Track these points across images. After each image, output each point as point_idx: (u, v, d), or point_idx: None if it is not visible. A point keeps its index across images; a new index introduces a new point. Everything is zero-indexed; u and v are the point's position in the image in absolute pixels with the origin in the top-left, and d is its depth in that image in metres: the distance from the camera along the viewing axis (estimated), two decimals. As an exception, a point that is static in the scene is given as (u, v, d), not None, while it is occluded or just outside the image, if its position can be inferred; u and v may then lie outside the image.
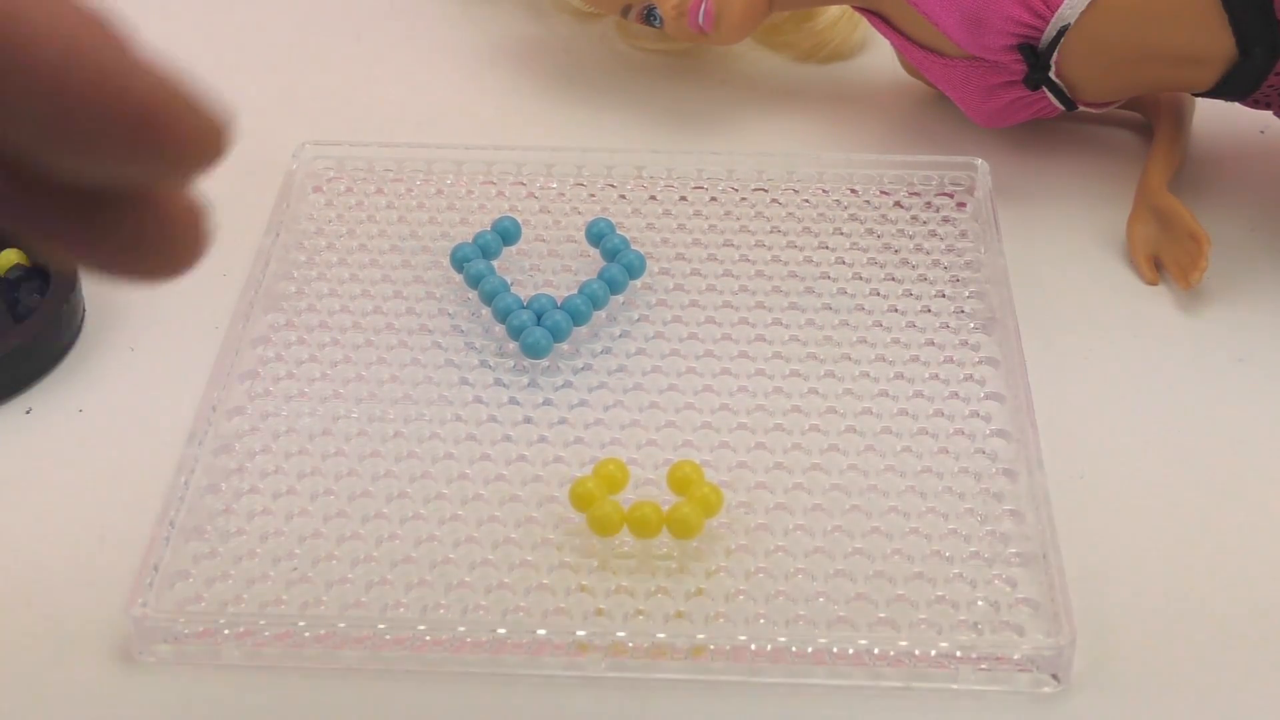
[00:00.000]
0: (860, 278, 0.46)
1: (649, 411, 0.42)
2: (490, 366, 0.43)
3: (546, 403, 0.42)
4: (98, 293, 0.46)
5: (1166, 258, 0.47)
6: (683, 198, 0.49)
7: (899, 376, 0.43)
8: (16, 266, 0.45)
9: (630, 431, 0.41)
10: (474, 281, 0.45)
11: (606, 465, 0.39)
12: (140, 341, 0.45)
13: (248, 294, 0.44)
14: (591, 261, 0.47)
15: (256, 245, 0.46)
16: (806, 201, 0.49)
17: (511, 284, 0.45)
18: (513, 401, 0.42)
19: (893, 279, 0.46)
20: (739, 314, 0.45)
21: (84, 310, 0.46)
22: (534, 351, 0.43)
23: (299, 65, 0.59)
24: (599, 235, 0.46)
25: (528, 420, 0.41)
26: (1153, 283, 0.47)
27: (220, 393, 0.41)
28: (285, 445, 0.40)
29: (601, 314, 0.45)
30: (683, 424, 0.41)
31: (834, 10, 0.57)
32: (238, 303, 0.44)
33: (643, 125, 0.54)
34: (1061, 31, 0.46)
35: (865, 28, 0.58)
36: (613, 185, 0.49)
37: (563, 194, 0.49)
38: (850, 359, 0.43)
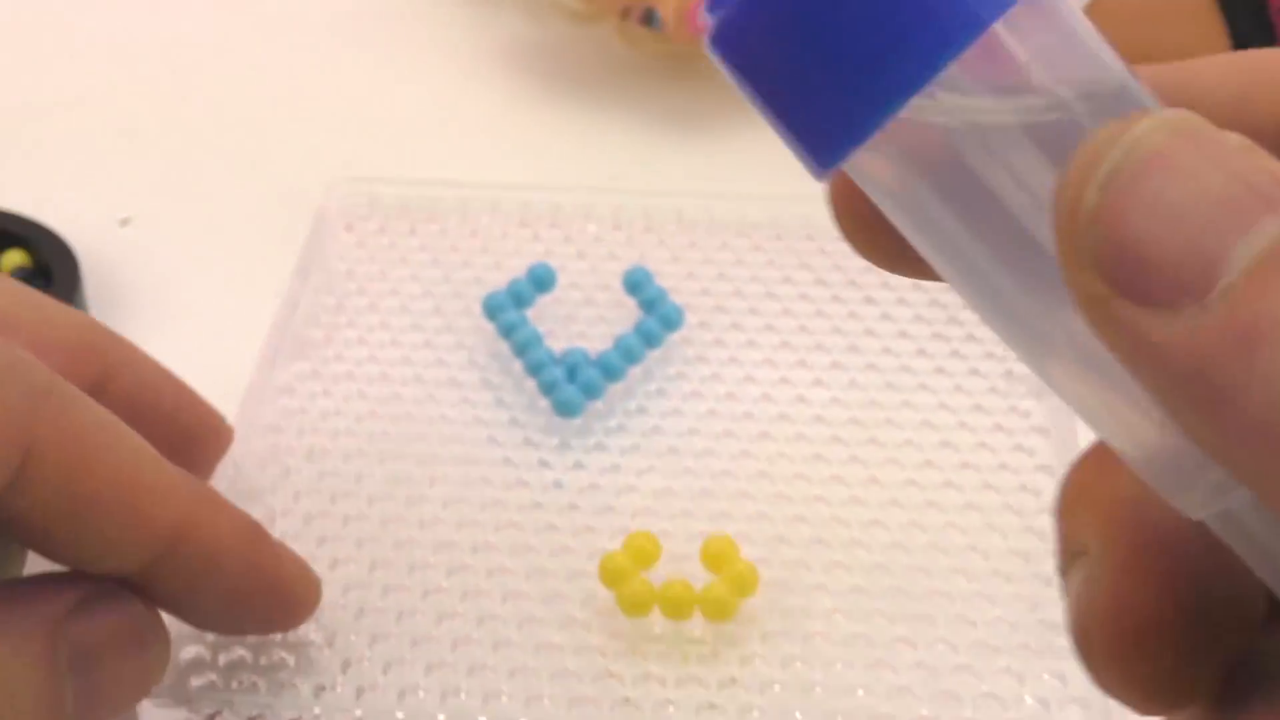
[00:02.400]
0: (906, 335, 0.44)
1: (683, 478, 0.40)
2: (520, 424, 0.42)
3: (578, 466, 0.40)
4: (100, 294, 0.46)
5: None
6: (724, 244, 0.47)
7: (945, 444, 0.41)
8: (19, 268, 0.45)
9: (664, 500, 0.39)
10: (506, 332, 0.43)
11: (637, 539, 0.38)
12: (142, 341, 0.43)
13: (275, 340, 0.43)
14: (628, 312, 0.45)
15: (283, 284, 0.45)
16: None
17: (545, 335, 0.43)
18: (543, 464, 0.40)
19: (940, 337, 0.44)
20: (779, 372, 0.43)
21: (86, 311, 0.45)
22: (566, 410, 0.41)
23: (309, 84, 0.58)
24: (636, 284, 0.45)
25: (557, 485, 0.40)
26: None
27: (244, 446, 0.40)
28: (306, 506, 0.39)
29: (637, 369, 0.43)
30: (718, 491, 0.40)
31: None
32: (263, 348, 0.42)
33: (643, 126, 0.54)
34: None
35: None
36: (651, 230, 0.48)
37: (600, 238, 0.47)
38: (893, 423, 0.42)
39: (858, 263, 0.46)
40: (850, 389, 0.43)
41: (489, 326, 0.44)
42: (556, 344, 0.43)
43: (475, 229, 0.48)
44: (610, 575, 0.37)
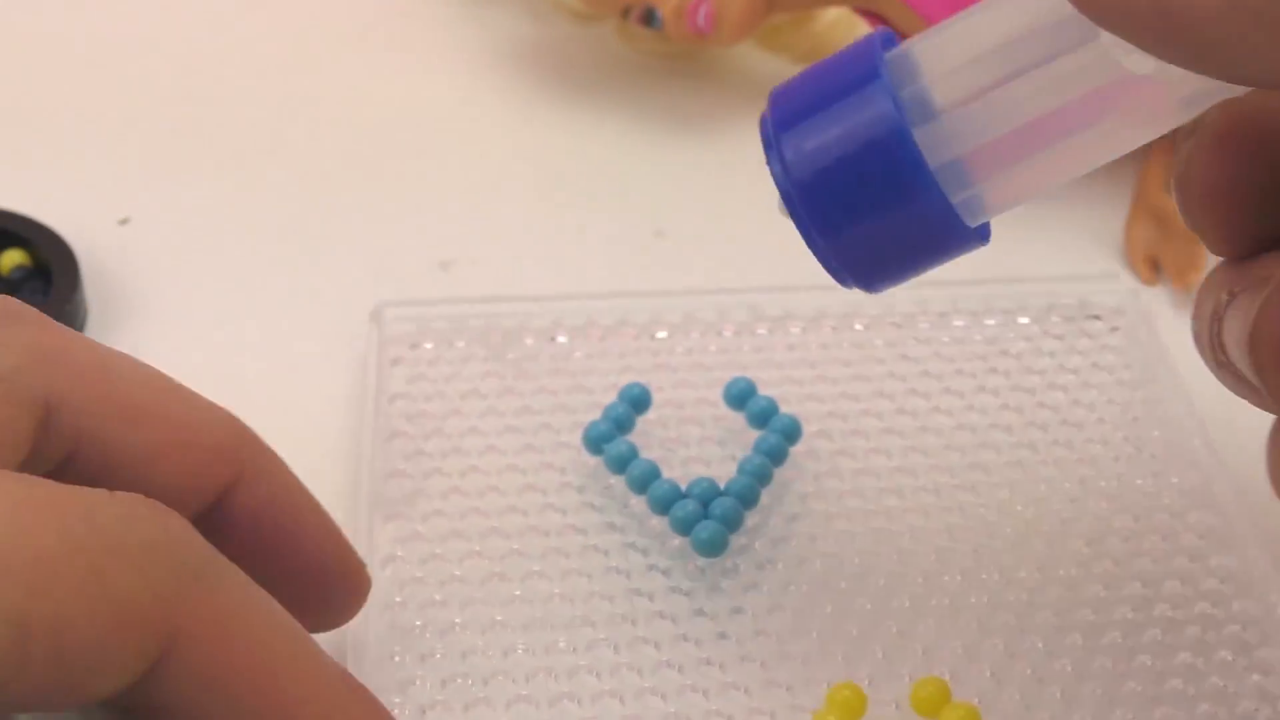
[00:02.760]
0: (1034, 424, 0.41)
1: (855, 617, 0.36)
2: (660, 570, 0.37)
3: (736, 611, 0.37)
4: (100, 294, 0.45)
5: (1164, 259, 0.47)
6: (823, 345, 0.44)
7: (1116, 565, 0.38)
8: (19, 267, 0.45)
9: (844, 642, 0.36)
10: (617, 466, 0.39)
11: (842, 692, 0.34)
12: (142, 343, 0.44)
13: (356, 502, 0.38)
14: (733, 427, 0.41)
15: (338, 436, 0.41)
16: (949, 338, 0.44)
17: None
18: (699, 613, 0.36)
19: (1067, 423, 0.41)
20: (917, 480, 0.40)
21: (86, 311, 0.45)
22: (710, 549, 0.37)
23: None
24: (742, 398, 0.41)
25: (723, 636, 0.36)
26: (1150, 283, 0.47)
27: (361, 627, 0.35)
28: (452, 695, 0.34)
29: (765, 494, 0.39)
30: (906, 627, 0.36)
31: (832, 12, 0.56)
32: (351, 519, 0.37)
33: (643, 126, 0.54)
34: None
35: (864, 29, 0.57)
36: (738, 333, 0.44)
37: (689, 350, 0.43)
38: (1063, 523, 0.39)
39: (956, 348, 0.43)
40: (995, 488, 0.39)
41: (591, 460, 0.40)
42: (668, 473, 0.39)
43: (543, 349, 0.43)
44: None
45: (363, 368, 0.42)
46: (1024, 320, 0.45)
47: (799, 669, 0.35)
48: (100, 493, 0.25)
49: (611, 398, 0.41)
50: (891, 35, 0.30)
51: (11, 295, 0.39)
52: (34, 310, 0.28)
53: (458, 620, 0.36)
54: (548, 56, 0.58)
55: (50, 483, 0.24)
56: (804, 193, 0.29)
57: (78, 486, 0.25)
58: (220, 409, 0.31)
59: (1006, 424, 0.41)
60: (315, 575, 0.31)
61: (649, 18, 0.51)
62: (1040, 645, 0.36)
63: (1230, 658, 0.35)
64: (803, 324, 0.44)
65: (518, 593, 0.37)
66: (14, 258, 0.45)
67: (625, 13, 0.52)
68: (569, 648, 0.35)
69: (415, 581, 0.37)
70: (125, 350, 0.42)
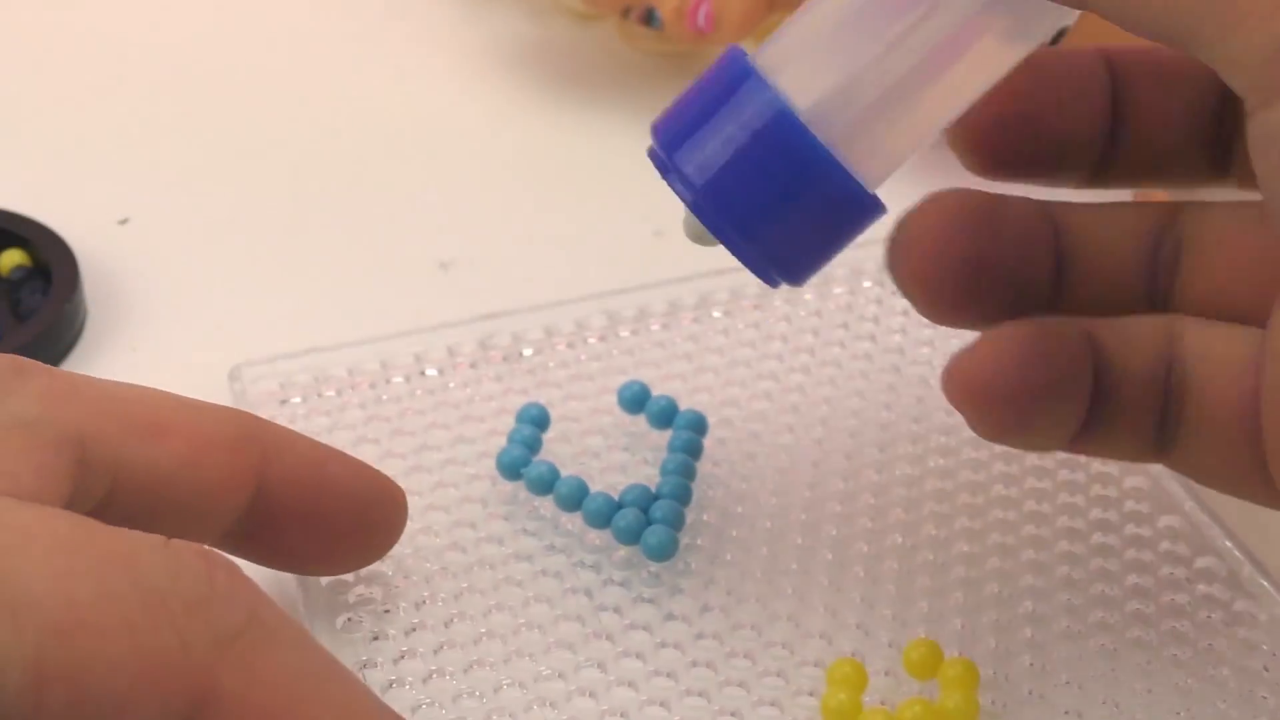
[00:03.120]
0: (921, 379, 0.42)
1: (822, 591, 0.37)
2: (618, 583, 0.37)
3: (705, 609, 0.36)
4: (100, 294, 0.46)
5: None
6: (690, 337, 0.44)
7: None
8: (19, 267, 0.45)
9: (822, 620, 0.36)
10: (541, 487, 0.38)
11: (841, 668, 0.34)
12: (142, 342, 0.44)
13: (305, 612, 0.36)
14: (635, 430, 0.41)
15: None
16: (805, 311, 0.45)
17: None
18: (671, 617, 0.36)
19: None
20: (826, 448, 0.40)
21: (86, 311, 0.45)
22: (661, 552, 0.37)
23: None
24: (638, 400, 0.41)
25: (701, 636, 0.36)
26: None
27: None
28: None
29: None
30: (875, 596, 0.36)
31: None
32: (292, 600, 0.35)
33: (643, 126, 0.52)
34: (1061, 34, 0.45)
35: None
36: (603, 338, 0.44)
37: (563, 364, 0.43)
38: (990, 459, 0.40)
39: (813, 320, 0.44)
40: (903, 441, 0.40)
41: (508, 486, 0.39)
42: (594, 486, 0.38)
43: (419, 385, 0.42)
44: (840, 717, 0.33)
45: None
46: (867, 284, 0.46)
47: (786, 656, 0.35)
48: (150, 540, 0.24)
49: (503, 422, 0.40)
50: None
51: (12, 295, 0.45)
52: (37, 362, 0.28)
53: (433, 668, 0.34)
54: (548, 56, 0.58)
55: (99, 525, 0.24)
56: (714, 201, 0.30)
57: (129, 531, 0.24)
58: (225, 408, 0.31)
59: (890, 383, 0.42)
60: (361, 509, 0.34)
61: (649, 18, 0.52)
62: (998, 590, 0.37)
63: (1172, 571, 0.37)
64: (662, 319, 0.44)
65: (483, 630, 0.35)
66: (14, 258, 0.45)
67: (625, 12, 0.53)
68: (553, 674, 0.34)
69: (377, 639, 0.35)
70: (125, 350, 0.44)
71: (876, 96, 0.30)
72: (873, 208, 0.31)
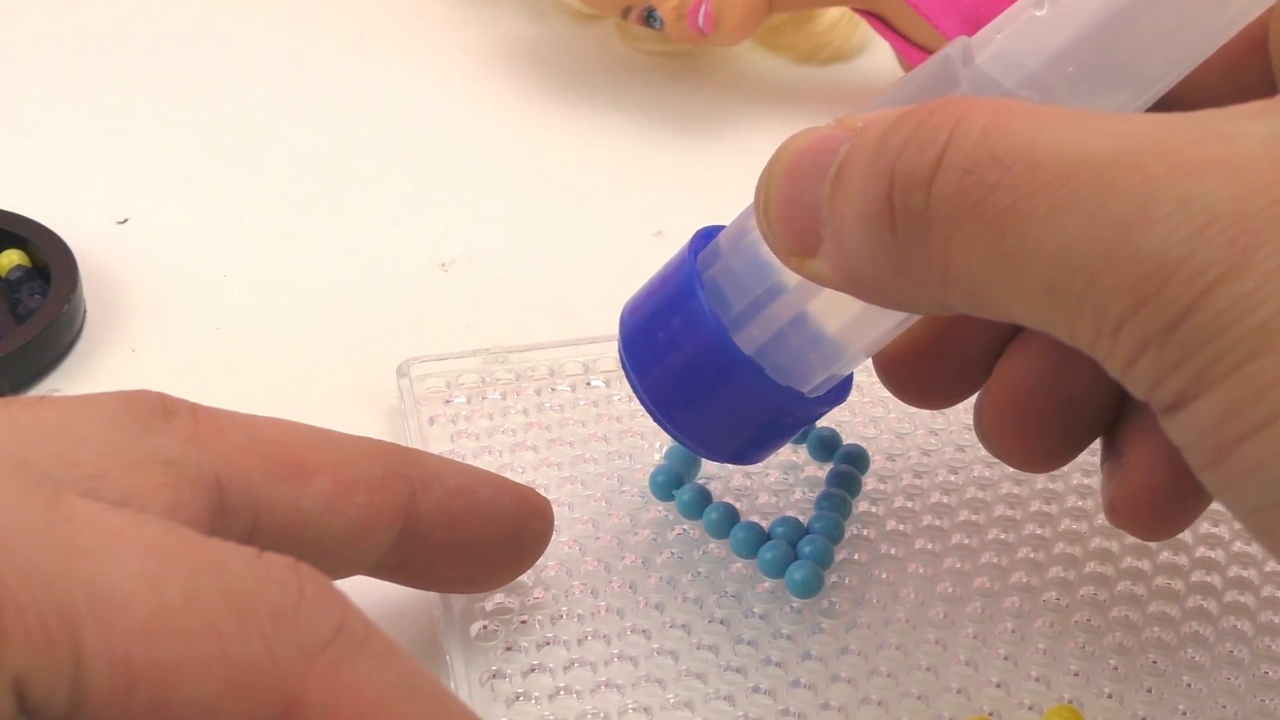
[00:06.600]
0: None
1: (968, 646, 0.35)
2: (759, 615, 0.36)
3: (844, 650, 0.35)
4: (99, 294, 0.46)
5: None
6: (863, 368, 0.43)
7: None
8: (18, 267, 0.45)
9: (960, 674, 0.35)
10: (692, 511, 0.38)
11: (977, 727, 0.33)
12: (141, 342, 0.44)
13: (442, 616, 0.36)
14: (796, 462, 0.40)
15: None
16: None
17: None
18: (807, 656, 0.35)
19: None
20: (986, 493, 0.39)
21: (85, 311, 0.45)
22: (806, 589, 0.36)
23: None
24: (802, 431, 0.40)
25: (835, 678, 0.35)
26: None
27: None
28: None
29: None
30: (1015, 652, 0.35)
31: (833, 12, 0.57)
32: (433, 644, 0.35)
33: (643, 126, 0.54)
34: None
35: (865, 30, 0.59)
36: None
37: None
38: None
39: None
40: (1081, 497, 0.39)
41: (660, 507, 0.39)
42: (747, 514, 0.38)
43: (583, 394, 0.42)
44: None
45: (393, 421, 0.41)
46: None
47: (921, 708, 0.34)
48: (244, 551, 0.24)
49: (661, 440, 0.40)
50: (712, 230, 0.34)
51: (11, 295, 0.44)
52: (185, 401, 0.28)
53: (561, 685, 0.34)
54: (548, 56, 0.58)
55: (192, 533, 0.24)
56: (664, 410, 0.33)
57: (223, 541, 0.24)
58: (374, 442, 0.31)
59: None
60: (509, 531, 0.33)
61: (649, 18, 0.52)
62: (1153, 660, 0.35)
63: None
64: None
65: (615, 651, 0.35)
66: (14, 258, 0.46)
67: (625, 13, 0.53)
68: (680, 703, 0.34)
69: (510, 649, 0.35)
70: (124, 350, 0.43)
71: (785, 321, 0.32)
72: (816, 404, 0.33)
